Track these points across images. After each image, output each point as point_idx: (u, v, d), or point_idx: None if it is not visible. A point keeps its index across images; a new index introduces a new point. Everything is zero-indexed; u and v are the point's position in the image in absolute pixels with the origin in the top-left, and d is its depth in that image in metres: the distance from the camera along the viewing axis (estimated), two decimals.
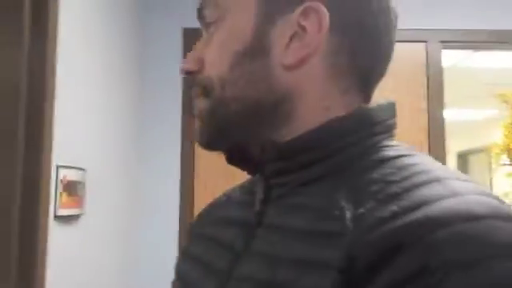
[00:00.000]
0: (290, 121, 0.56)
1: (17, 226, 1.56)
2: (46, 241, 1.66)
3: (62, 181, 1.83)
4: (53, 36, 1.70)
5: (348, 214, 0.48)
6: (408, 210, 0.45)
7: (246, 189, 0.66)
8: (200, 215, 0.74)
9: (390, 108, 0.59)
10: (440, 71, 2.96)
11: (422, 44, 2.98)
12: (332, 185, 0.52)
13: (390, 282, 0.42)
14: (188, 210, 2.83)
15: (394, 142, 0.57)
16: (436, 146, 2.89)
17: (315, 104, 0.56)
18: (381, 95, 2.42)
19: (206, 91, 0.58)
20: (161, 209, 2.86)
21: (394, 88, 2.95)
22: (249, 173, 0.62)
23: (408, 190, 0.47)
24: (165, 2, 3.01)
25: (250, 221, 0.58)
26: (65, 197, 1.86)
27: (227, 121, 0.57)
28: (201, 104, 0.59)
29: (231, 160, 0.61)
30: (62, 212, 1.84)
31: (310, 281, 0.46)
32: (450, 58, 4.37)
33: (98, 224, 2.26)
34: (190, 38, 2.96)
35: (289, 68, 0.55)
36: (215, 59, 0.57)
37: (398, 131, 2.91)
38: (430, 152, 2.88)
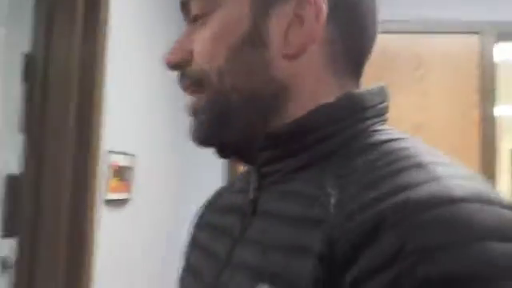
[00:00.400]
0: (285, 109, 0.56)
1: (68, 209, 1.62)
2: (95, 222, 1.72)
3: (111, 166, 1.88)
4: (104, 26, 1.74)
5: (332, 200, 0.48)
6: (388, 194, 0.45)
7: (246, 177, 0.66)
8: (207, 203, 0.76)
9: (381, 92, 0.58)
10: (493, 65, 2.87)
11: (475, 36, 2.89)
12: (321, 171, 0.52)
13: (368, 266, 0.42)
14: None
15: (385, 127, 0.56)
16: (487, 142, 2.82)
17: (311, 91, 0.56)
18: (430, 88, 2.35)
19: (201, 84, 0.57)
20: (205, 195, 2.90)
21: (444, 81, 2.88)
22: (243, 163, 0.62)
23: (390, 175, 0.47)
24: None
25: (246, 208, 0.59)
26: (114, 181, 1.92)
27: (227, 112, 0.56)
28: (195, 98, 0.58)
29: (224, 153, 0.60)
30: (112, 196, 1.89)
31: (295, 266, 0.47)
32: (505, 52, 4.23)
33: (145, 208, 2.31)
34: None
35: (288, 57, 0.55)
36: (209, 51, 0.56)
37: (447, 126, 2.85)
38: (481, 148, 2.80)
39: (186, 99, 0.60)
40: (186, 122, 2.90)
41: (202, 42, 0.57)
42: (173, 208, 2.77)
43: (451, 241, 0.41)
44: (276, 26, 0.55)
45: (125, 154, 2.02)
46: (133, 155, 2.11)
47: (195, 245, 0.70)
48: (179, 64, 0.58)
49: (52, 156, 1.62)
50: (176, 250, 2.85)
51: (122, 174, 1.98)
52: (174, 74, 2.72)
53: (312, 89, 0.56)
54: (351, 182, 0.49)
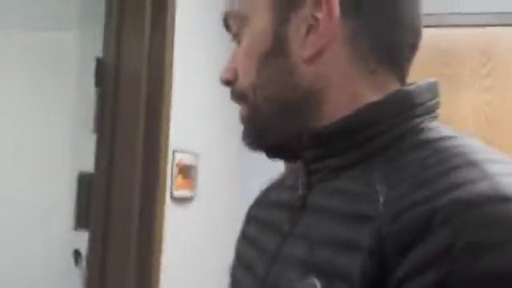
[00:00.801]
0: (321, 111, 0.57)
1: (137, 205, 1.69)
2: (164, 218, 1.79)
3: (177, 164, 1.95)
4: (171, 27, 1.80)
5: (381, 198, 0.49)
6: (440, 193, 0.45)
7: (295, 173, 0.67)
8: (257, 199, 0.78)
9: (432, 88, 0.57)
10: None
11: None
12: (370, 168, 0.53)
13: (420, 262, 0.43)
14: None
15: (435, 124, 0.56)
16: None
17: (343, 90, 0.56)
18: (498, 83, 2.26)
19: (242, 98, 0.61)
20: None
21: None
22: (292, 162, 0.65)
23: (442, 174, 0.47)
24: None
25: (295, 204, 0.60)
26: (180, 179, 1.98)
27: (263, 123, 0.60)
28: (241, 110, 0.62)
29: (271, 155, 0.64)
30: (178, 194, 1.96)
31: (343, 261, 0.48)
32: None
33: (209, 206, 2.37)
34: None
35: (309, 61, 0.56)
36: (244, 67, 0.60)
37: None
38: None
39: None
40: None
41: (239, 59, 0.61)
42: (236, 205, 2.82)
43: (504, 238, 0.41)
44: (295, 31, 0.56)
45: (189, 152, 2.08)
46: (197, 154, 2.17)
47: (245, 238, 0.72)
48: (229, 82, 0.63)
49: (122, 155, 1.70)
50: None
51: (186, 172, 2.05)
52: None
53: (344, 88, 0.56)
54: (401, 180, 0.49)
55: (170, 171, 1.89)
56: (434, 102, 0.57)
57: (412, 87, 0.56)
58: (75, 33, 3.02)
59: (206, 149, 2.30)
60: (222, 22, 0.66)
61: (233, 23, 0.63)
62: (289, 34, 0.57)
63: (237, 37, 0.63)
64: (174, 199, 1.95)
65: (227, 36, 0.68)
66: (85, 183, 1.73)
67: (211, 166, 2.37)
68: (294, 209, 0.61)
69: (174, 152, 1.92)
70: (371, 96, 0.56)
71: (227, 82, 0.63)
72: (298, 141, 0.58)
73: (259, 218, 0.71)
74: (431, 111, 0.57)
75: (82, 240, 1.80)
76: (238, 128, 0.62)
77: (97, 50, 1.81)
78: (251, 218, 0.75)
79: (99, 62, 1.76)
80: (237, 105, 0.64)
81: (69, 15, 3.09)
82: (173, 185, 1.92)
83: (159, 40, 1.75)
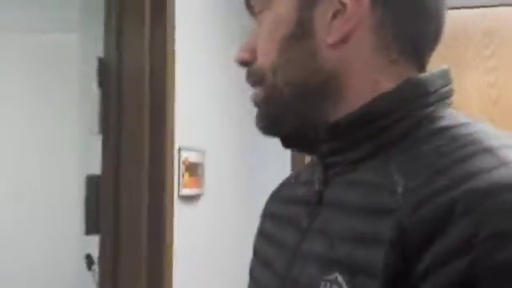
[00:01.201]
0: (341, 98, 0.56)
1: (146, 205, 1.68)
2: (173, 217, 1.78)
3: (183, 162, 1.94)
4: (172, 24, 1.79)
5: (400, 189, 0.48)
6: (458, 182, 0.45)
7: (310, 168, 0.67)
8: (272, 194, 0.78)
9: (444, 75, 0.57)
10: None
11: None
12: (386, 159, 0.52)
13: (442, 253, 0.43)
14: None
15: (449, 111, 0.55)
16: None
17: (364, 78, 0.56)
18: (502, 64, 2.22)
19: (260, 80, 0.60)
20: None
21: None
22: (307, 154, 0.64)
23: (458, 161, 0.47)
24: None
25: (312, 199, 0.60)
26: (186, 177, 1.97)
27: (281, 107, 0.59)
28: (257, 93, 0.61)
29: (288, 144, 0.62)
30: (185, 192, 1.95)
31: (365, 255, 0.48)
32: None
33: (217, 203, 2.36)
34: None
35: (333, 46, 0.55)
36: (265, 47, 0.59)
37: None
38: None
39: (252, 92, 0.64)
40: (253, 116, 2.93)
41: (260, 39, 0.60)
42: (243, 202, 2.81)
43: None
44: (320, 16, 0.56)
45: (196, 150, 2.07)
46: (203, 151, 2.16)
47: (262, 235, 0.72)
48: (246, 62, 0.61)
49: (128, 155, 1.69)
50: (247, 242, 2.90)
51: (193, 169, 2.04)
52: (242, 71, 2.76)
53: (365, 76, 0.56)
54: (418, 169, 0.49)
55: (176, 169, 1.88)
56: (447, 88, 0.57)
57: (425, 75, 0.56)
58: (76, 34, 3.01)
59: (212, 145, 2.29)
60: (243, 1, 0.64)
61: (255, 3, 0.62)
62: (314, 18, 0.56)
63: (257, 17, 0.62)
64: (182, 197, 1.94)
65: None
66: (93, 186, 1.72)
67: (218, 162, 2.36)
68: (311, 204, 0.60)
69: (179, 150, 1.91)
70: (389, 86, 0.55)
71: (243, 62, 0.62)
72: (314, 133, 0.58)
73: (275, 215, 0.70)
74: (445, 98, 0.56)
75: (93, 244, 1.79)
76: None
77: (98, 50, 1.80)
78: (267, 214, 0.74)
79: (101, 62, 1.75)
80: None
81: (70, 17, 3.08)
82: (180, 183, 1.91)
83: (160, 38, 1.73)
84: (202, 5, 2.20)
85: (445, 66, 0.58)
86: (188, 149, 1.98)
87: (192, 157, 2.02)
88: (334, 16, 0.55)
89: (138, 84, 1.70)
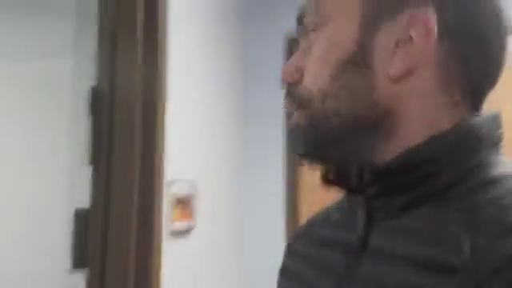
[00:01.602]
0: (391, 137, 0.53)
1: (135, 241, 1.64)
2: (162, 253, 1.73)
3: (174, 195, 1.90)
4: (163, 52, 1.77)
5: (465, 246, 0.44)
6: None
7: (343, 207, 0.62)
8: (298, 233, 0.72)
9: (496, 120, 0.54)
10: None
11: None
12: (441, 207, 0.49)
13: None
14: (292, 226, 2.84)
15: (501, 158, 0.52)
16: None
17: (420, 119, 0.52)
18: None
19: (304, 103, 0.55)
20: (268, 221, 2.88)
21: None
22: (346, 191, 0.59)
23: None
24: (266, 9, 3.04)
25: (353, 244, 0.55)
26: (177, 210, 1.93)
27: (326, 136, 0.54)
28: (298, 116, 0.56)
29: (327, 178, 0.58)
30: (176, 225, 1.90)
31: None
32: None
33: (209, 236, 2.31)
34: (293, 45, 2.97)
35: (394, 79, 0.52)
36: (315, 69, 0.55)
37: None
38: None
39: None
40: (246, 146, 2.91)
41: (310, 60, 0.56)
42: (237, 234, 2.76)
43: None
44: (383, 44, 0.52)
45: (186, 181, 2.03)
46: (194, 182, 2.12)
47: (288, 275, 0.66)
48: (291, 81, 0.57)
49: (118, 188, 1.65)
50: (241, 276, 2.84)
51: (184, 202, 2.00)
52: (236, 99, 2.75)
53: (421, 115, 0.52)
54: (482, 223, 0.45)
55: (166, 203, 1.84)
56: (498, 133, 0.54)
57: (479, 119, 0.52)
58: (68, 61, 3.00)
59: (204, 177, 2.25)
60: (296, 17, 0.60)
61: (310, 19, 0.57)
62: (375, 45, 0.52)
63: (309, 35, 0.57)
64: (172, 232, 1.90)
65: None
66: (81, 220, 1.68)
67: (210, 194, 2.32)
68: (350, 249, 0.55)
69: (169, 182, 1.87)
70: (444, 127, 0.52)
71: (289, 82, 0.57)
72: (359, 172, 0.53)
73: (303, 255, 0.65)
74: (496, 144, 0.53)
75: (80, 279, 1.74)
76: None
77: (90, 77, 1.77)
78: (294, 253, 0.68)
79: (93, 90, 1.72)
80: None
81: (61, 43, 3.06)
82: (170, 217, 1.87)
83: (152, 67, 1.71)
84: (194, 32, 2.19)
85: (496, 111, 0.55)
86: (179, 181, 1.95)
87: (183, 189, 1.98)
88: (397, 45, 0.52)
89: (130, 114, 1.67)
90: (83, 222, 1.69)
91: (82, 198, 1.75)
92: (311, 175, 2.90)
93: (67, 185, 2.75)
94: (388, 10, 0.52)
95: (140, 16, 1.69)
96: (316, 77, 0.54)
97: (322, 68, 0.54)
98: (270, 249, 2.86)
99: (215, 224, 2.40)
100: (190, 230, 2.10)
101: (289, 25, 3.01)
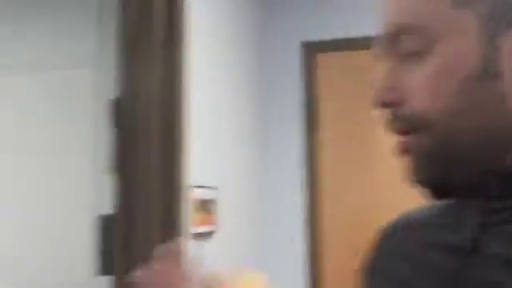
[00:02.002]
0: None
1: (158, 245, 1.67)
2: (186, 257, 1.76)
3: (196, 200, 1.93)
4: (183, 62, 1.81)
5: None
6: None
7: (444, 211, 0.60)
8: (389, 232, 0.69)
9: None
10: None
11: None
12: None
13: None
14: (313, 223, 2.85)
15: None
16: None
17: None
18: None
19: (423, 125, 0.53)
20: (287, 223, 2.90)
21: None
22: (457, 199, 0.57)
23: None
24: (284, 15, 3.06)
25: (461, 247, 0.53)
26: (199, 215, 1.96)
27: (459, 155, 0.52)
28: (418, 140, 0.54)
29: (442, 194, 0.55)
30: (197, 230, 1.94)
31: None
32: None
33: (230, 240, 2.34)
34: (309, 51, 2.98)
35: None
36: (433, 89, 0.52)
37: None
38: None
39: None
40: (266, 151, 2.93)
41: (423, 79, 0.53)
42: (257, 238, 2.79)
43: None
44: (507, 54, 0.50)
45: (208, 187, 2.06)
46: (216, 188, 2.15)
47: (384, 276, 0.64)
48: (393, 103, 0.54)
49: (141, 195, 1.68)
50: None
51: (205, 207, 2.03)
52: (256, 108, 2.78)
53: None
54: None
55: (188, 208, 1.87)
56: None
57: None
58: (89, 71, 3.05)
59: (225, 182, 2.28)
60: (385, 36, 0.57)
61: (412, 40, 0.54)
62: (499, 56, 0.51)
63: (411, 55, 0.54)
64: (194, 236, 1.93)
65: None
66: (106, 226, 1.72)
67: (231, 199, 2.35)
68: (460, 252, 0.54)
69: (192, 187, 1.90)
70: None
71: (389, 104, 0.55)
72: (481, 180, 0.52)
73: (408, 257, 0.62)
74: None
75: (106, 286, 1.78)
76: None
77: (111, 87, 1.82)
78: (389, 252, 0.66)
79: (114, 102, 1.76)
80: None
81: (82, 53, 3.12)
82: (192, 221, 1.90)
83: (173, 75, 1.75)
84: (215, 40, 2.23)
85: None
86: (200, 186, 1.98)
87: (204, 194, 2.01)
88: None
89: (151, 122, 1.70)
90: (108, 228, 1.73)
91: (105, 206, 1.80)
92: (330, 181, 2.91)
93: (91, 193, 2.80)
94: (508, 21, 0.51)
95: (161, 27, 1.73)
96: (435, 95, 0.52)
97: (442, 86, 0.52)
98: (288, 252, 2.88)
99: (236, 229, 2.43)
100: (212, 234, 2.13)
101: (305, 31, 3.03)
